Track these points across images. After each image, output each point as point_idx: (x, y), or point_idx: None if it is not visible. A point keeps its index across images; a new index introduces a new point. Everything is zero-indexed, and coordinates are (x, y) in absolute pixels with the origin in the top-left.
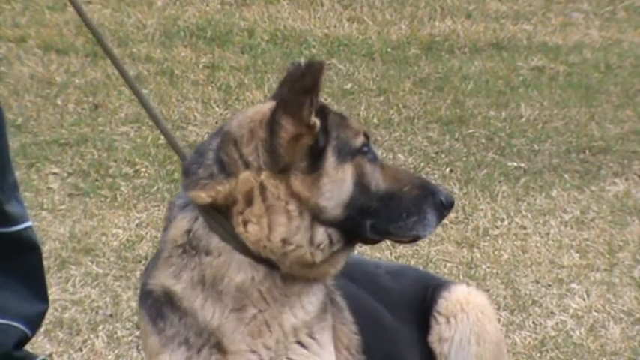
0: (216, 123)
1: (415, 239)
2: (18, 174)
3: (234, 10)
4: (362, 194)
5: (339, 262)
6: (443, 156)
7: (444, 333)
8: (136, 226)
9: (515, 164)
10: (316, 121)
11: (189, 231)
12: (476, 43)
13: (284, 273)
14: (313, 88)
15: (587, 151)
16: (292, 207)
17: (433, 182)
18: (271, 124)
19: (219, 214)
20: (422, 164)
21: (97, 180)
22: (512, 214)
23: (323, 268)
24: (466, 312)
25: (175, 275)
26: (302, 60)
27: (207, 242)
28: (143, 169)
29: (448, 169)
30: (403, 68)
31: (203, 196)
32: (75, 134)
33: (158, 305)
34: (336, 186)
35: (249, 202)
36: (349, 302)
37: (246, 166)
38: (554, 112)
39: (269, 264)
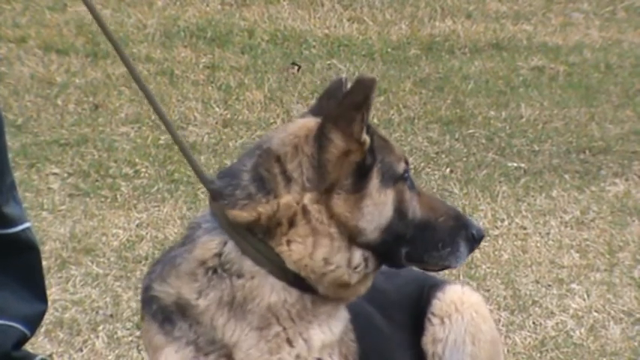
0: (217, 123)
1: (444, 269)
2: (18, 174)
3: (235, 10)
4: (400, 220)
5: (369, 282)
6: (443, 156)
7: (438, 334)
8: (136, 226)
9: (515, 164)
10: (367, 138)
11: (219, 254)
12: (476, 43)
13: (321, 294)
14: (364, 103)
15: (587, 152)
16: (334, 229)
17: (465, 215)
18: (320, 138)
19: (253, 236)
20: (422, 164)
21: (97, 180)
22: (512, 214)
23: (355, 289)
24: (460, 312)
25: (200, 291)
26: (345, 75)
27: (239, 266)
28: (143, 170)
29: (448, 170)
30: (403, 68)
31: (245, 215)
32: (75, 134)
33: (166, 313)
34: (377, 209)
35: (292, 224)
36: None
37: (288, 181)
38: (554, 113)
39: (301, 287)
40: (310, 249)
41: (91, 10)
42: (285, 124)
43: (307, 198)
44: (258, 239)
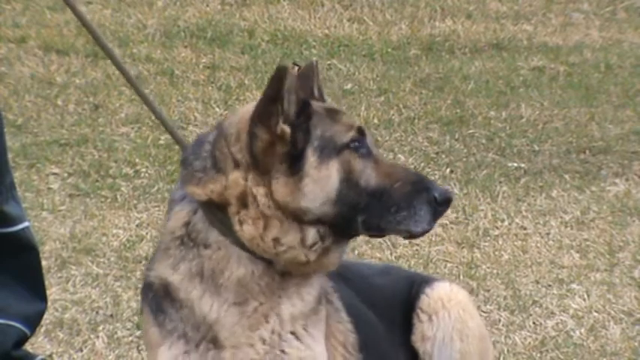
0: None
1: (410, 235)
2: (18, 174)
3: (235, 10)
4: (350, 189)
5: (335, 256)
6: (443, 156)
7: (426, 331)
8: (137, 226)
9: (515, 164)
10: (285, 129)
11: (187, 223)
12: (476, 43)
13: (280, 270)
14: (278, 96)
15: (587, 152)
16: (279, 212)
17: (430, 179)
18: (250, 131)
19: (217, 210)
20: (422, 164)
21: (97, 180)
22: (512, 214)
23: (318, 265)
24: (448, 309)
25: (173, 267)
26: (315, 59)
27: (206, 236)
28: (143, 170)
29: (448, 170)
30: (403, 68)
31: (199, 193)
32: (75, 134)
33: (158, 299)
34: (319, 185)
35: (243, 204)
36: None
37: (235, 164)
38: (554, 113)
39: (267, 259)
40: (261, 230)
41: (75, 12)
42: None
43: (251, 179)
44: (221, 212)
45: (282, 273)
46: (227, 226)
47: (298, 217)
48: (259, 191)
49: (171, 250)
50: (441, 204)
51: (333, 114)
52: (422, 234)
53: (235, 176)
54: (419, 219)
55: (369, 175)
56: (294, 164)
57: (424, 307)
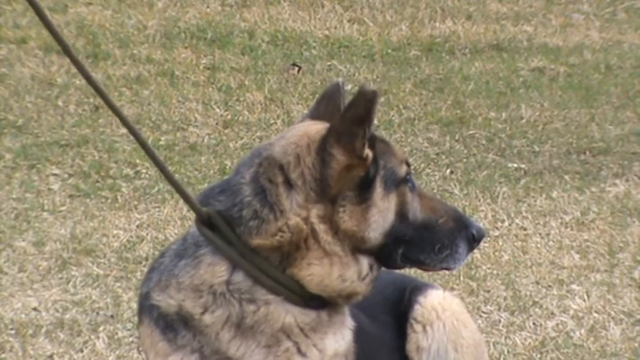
0: (217, 124)
1: (443, 270)
2: (19, 175)
3: (235, 11)
4: (401, 223)
5: (373, 285)
6: (443, 157)
7: (421, 342)
8: (137, 227)
9: (515, 165)
10: (369, 153)
11: (228, 282)
12: (476, 44)
13: (335, 307)
14: (366, 118)
15: (587, 152)
16: (339, 247)
17: (465, 215)
18: (322, 152)
19: (268, 263)
20: (422, 165)
21: (97, 181)
22: (512, 215)
23: (361, 297)
24: (442, 320)
25: (206, 307)
26: (341, 79)
27: (251, 295)
28: (144, 170)
29: (449, 171)
30: (404, 69)
31: (267, 243)
32: (76, 135)
33: (168, 321)
34: (382, 216)
35: (307, 247)
36: None
37: (290, 190)
38: (554, 114)
39: (318, 307)
40: (328, 269)
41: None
42: (284, 131)
43: (314, 215)
44: (275, 266)
45: (330, 313)
46: (279, 280)
47: (356, 248)
48: (321, 228)
49: (203, 293)
50: (476, 240)
51: (386, 145)
52: (455, 269)
53: (295, 218)
54: (458, 257)
55: (416, 209)
56: (363, 192)
57: (418, 317)
